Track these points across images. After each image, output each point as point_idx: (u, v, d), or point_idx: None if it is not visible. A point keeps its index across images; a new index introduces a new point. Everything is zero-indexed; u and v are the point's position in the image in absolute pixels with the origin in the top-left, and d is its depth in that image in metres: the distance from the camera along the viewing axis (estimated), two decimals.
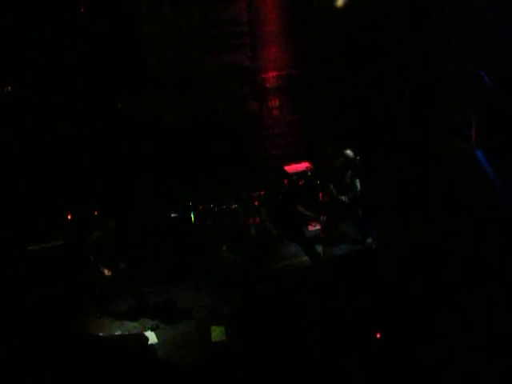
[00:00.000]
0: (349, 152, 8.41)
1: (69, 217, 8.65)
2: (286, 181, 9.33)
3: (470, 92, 8.73)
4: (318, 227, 9.16)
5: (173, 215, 8.82)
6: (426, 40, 9.37)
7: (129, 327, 7.22)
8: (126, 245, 7.73)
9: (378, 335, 6.41)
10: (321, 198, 8.62)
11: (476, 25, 8.46)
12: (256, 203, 9.26)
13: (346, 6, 9.29)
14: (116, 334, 7.08)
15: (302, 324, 6.87)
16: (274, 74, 10.24)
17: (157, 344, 6.84)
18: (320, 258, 8.04)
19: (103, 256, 7.23)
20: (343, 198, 8.47)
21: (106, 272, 7.17)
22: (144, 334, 6.99)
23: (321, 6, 9.58)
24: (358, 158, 8.41)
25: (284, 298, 7.32)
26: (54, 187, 9.04)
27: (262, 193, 9.35)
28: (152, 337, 6.96)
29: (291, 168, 9.68)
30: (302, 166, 9.74)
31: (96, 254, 7.23)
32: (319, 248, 8.17)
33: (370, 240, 8.56)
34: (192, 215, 8.73)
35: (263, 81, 10.20)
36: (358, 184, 8.49)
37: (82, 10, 8.88)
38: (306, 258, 8.20)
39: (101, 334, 7.02)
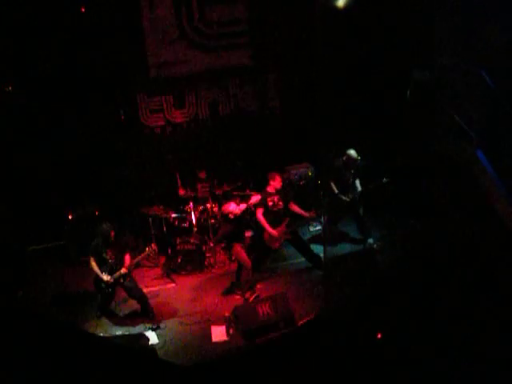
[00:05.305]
0: (352, 152, 8.39)
1: (70, 217, 8.65)
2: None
3: (472, 92, 8.70)
4: (318, 227, 9.14)
5: (173, 215, 8.81)
6: (427, 41, 9.35)
7: (129, 327, 7.22)
8: (123, 245, 7.74)
9: (379, 335, 6.39)
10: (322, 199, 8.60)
11: (478, 25, 8.44)
12: None
13: (346, 5, 9.26)
14: (116, 334, 7.07)
15: (302, 323, 6.87)
16: (275, 73, 10.25)
17: (157, 344, 6.83)
18: (319, 259, 8.02)
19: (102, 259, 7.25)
20: (344, 198, 8.46)
21: (105, 277, 7.17)
22: (145, 334, 6.98)
23: (322, 5, 9.55)
24: (359, 157, 8.40)
25: (284, 298, 7.29)
26: (56, 187, 9.07)
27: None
28: (153, 337, 6.95)
29: (292, 168, 9.67)
30: (303, 166, 9.73)
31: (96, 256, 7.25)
32: (320, 248, 8.14)
33: (370, 240, 8.55)
34: (192, 215, 8.74)
35: (264, 80, 10.21)
36: (358, 184, 8.49)
37: (83, 10, 8.89)
38: (302, 258, 8.20)
39: (101, 335, 6.99)
